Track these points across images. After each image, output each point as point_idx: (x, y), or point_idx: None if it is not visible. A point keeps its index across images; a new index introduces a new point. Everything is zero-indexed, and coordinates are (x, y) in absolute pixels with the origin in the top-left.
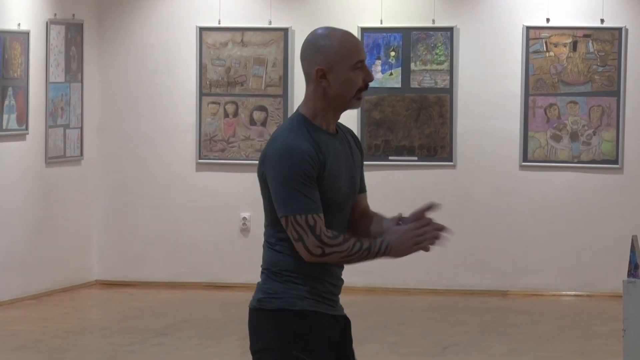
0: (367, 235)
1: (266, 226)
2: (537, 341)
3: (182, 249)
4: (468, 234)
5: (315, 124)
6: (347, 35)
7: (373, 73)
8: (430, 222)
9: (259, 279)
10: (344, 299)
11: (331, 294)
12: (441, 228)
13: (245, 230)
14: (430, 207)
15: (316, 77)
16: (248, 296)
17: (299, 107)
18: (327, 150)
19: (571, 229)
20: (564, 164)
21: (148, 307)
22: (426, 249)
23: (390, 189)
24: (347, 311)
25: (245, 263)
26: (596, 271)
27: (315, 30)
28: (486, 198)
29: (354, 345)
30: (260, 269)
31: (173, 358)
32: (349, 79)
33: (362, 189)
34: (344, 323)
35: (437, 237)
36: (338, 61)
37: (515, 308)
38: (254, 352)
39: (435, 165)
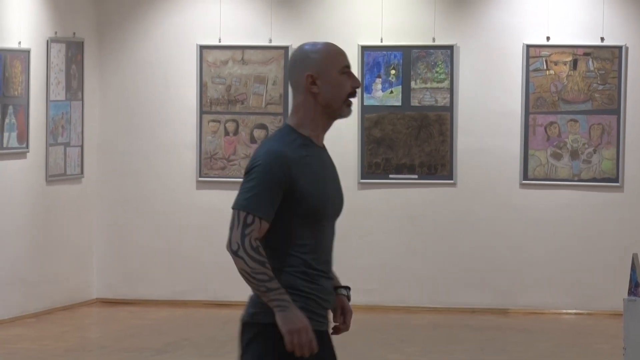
0: None
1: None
2: (537, 359)
3: (183, 267)
4: (468, 251)
5: (301, 133)
6: (331, 44)
7: (373, 91)
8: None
9: (252, 294)
10: None
11: (322, 310)
12: (314, 347)
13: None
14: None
15: (306, 83)
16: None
17: (286, 120)
18: (312, 160)
19: (571, 246)
20: (564, 182)
21: (148, 325)
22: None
23: (390, 206)
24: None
25: (244, 281)
26: (596, 289)
27: (301, 45)
28: (486, 216)
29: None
30: None
31: None
32: (338, 82)
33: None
34: (330, 344)
35: (308, 351)
36: (326, 66)
37: (515, 326)
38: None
39: (435, 183)
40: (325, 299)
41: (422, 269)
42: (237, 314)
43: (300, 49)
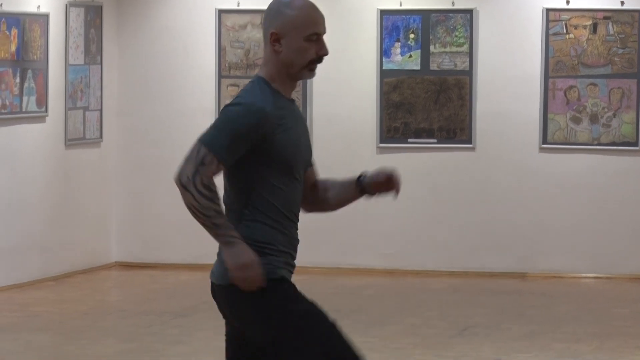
0: (327, 202)
1: (234, 201)
2: (556, 323)
3: (202, 231)
4: (487, 215)
5: (273, 87)
6: (308, 6)
7: (392, 55)
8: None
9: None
10: (363, 280)
11: (293, 261)
12: (261, 281)
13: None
14: None
15: (270, 40)
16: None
17: (258, 70)
18: (285, 114)
19: (591, 211)
20: (583, 146)
21: (167, 288)
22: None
23: (409, 171)
24: (367, 293)
25: None
26: (616, 253)
27: None
28: (505, 180)
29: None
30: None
31: (192, 340)
32: (301, 48)
33: (312, 163)
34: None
35: (255, 285)
36: (292, 29)
37: (534, 290)
38: (251, 327)
39: (454, 148)
40: (295, 249)
41: (440, 233)
42: None
43: (278, 1)
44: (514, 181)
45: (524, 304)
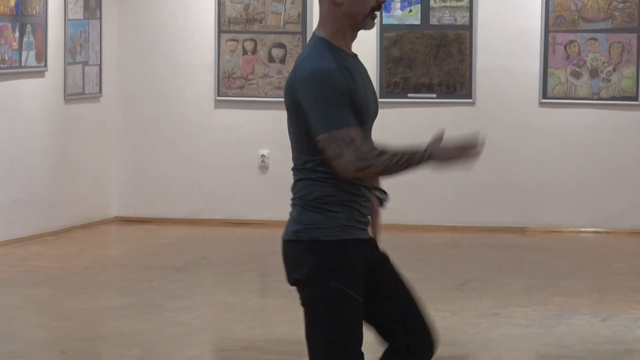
0: None
1: (296, 158)
2: (555, 277)
3: (201, 186)
4: (487, 170)
5: (335, 45)
6: None
7: (392, 10)
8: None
9: (293, 211)
10: None
11: (363, 217)
12: (477, 152)
13: (263, 167)
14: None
15: None
16: (266, 233)
17: (315, 31)
18: (351, 70)
19: (590, 165)
20: (583, 101)
21: (167, 243)
22: (466, 164)
23: (409, 126)
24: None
25: (263, 200)
26: (615, 207)
27: None
28: (505, 135)
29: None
30: (277, 203)
31: (192, 294)
32: None
33: None
34: (378, 249)
35: (475, 157)
36: None
37: (534, 244)
38: (292, 283)
39: (454, 103)
40: (365, 205)
41: (440, 188)
42: (255, 233)
43: None
44: (513, 136)
45: (523, 258)
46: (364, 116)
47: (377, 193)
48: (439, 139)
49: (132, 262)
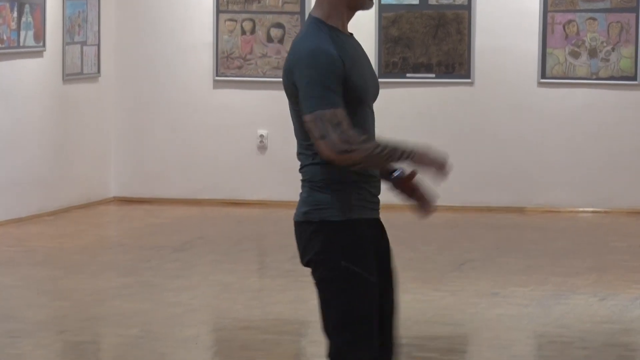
0: None
1: (301, 141)
2: (554, 257)
3: (199, 166)
4: (485, 150)
5: (330, 25)
6: None
7: None
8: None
9: (302, 192)
10: None
11: (373, 197)
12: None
13: (262, 147)
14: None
15: None
16: (265, 213)
17: (311, 11)
18: (347, 50)
19: (589, 145)
20: (582, 80)
21: (165, 223)
22: (441, 173)
23: (407, 106)
24: None
25: (261, 180)
26: (613, 187)
27: None
28: (504, 115)
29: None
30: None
31: (190, 273)
32: None
33: None
34: (384, 231)
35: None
36: None
37: (532, 224)
38: (304, 264)
39: (453, 83)
40: (374, 185)
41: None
42: (253, 213)
43: None
44: (512, 116)
45: (521, 238)
46: (363, 95)
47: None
48: (423, 146)
49: (131, 242)
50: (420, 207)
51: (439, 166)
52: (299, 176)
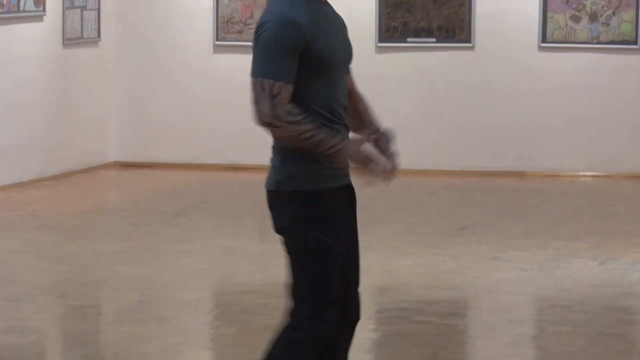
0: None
1: None
2: (554, 221)
3: (200, 131)
4: (486, 115)
5: None
6: None
7: None
8: (391, 168)
9: (274, 159)
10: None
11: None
12: (391, 172)
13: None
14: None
15: None
16: (265, 177)
17: None
18: (320, 17)
19: (589, 109)
20: (583, 45)
21: (166, 188)
22: (368, 181)
23: (408, 70)
24: (365, 192)
25: (262, 144)
26: (614, 152)
27: None
28: (504, 79)
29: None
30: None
31: (191, 238)
32: None
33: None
34: (352, 190)
35: (384, 178)
36: None
37: (532, 189)
38: (277, 231)
39: (453, 47)
40: None
41: (439, 132)
42: (254, 178)
43: None
44: (513, 80)
45: (522, 202)
46: (329, 61)
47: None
48: (359, 140)
49: (131, 207)
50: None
51: (372, 168)
52: None
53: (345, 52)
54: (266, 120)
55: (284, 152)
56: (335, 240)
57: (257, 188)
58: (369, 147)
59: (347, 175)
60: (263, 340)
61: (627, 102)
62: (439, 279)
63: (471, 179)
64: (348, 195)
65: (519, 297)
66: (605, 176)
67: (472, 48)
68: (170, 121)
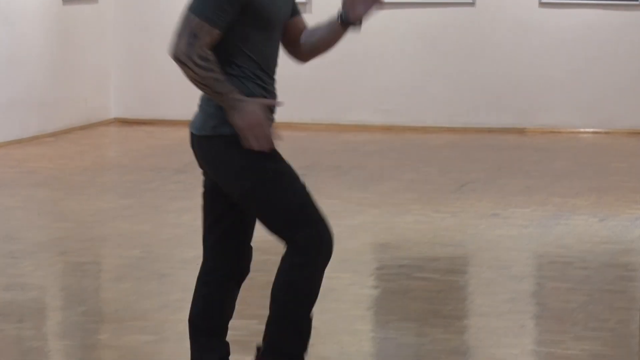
0: (317, 41)
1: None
2: (554, 178)
3: None
4: (486, 72)
5: None
6: None
7: None
8: (272, 135)
9: (207, 105)
10: (362, 137)
11: (271, 114)
12: (272, 140)
13: None
14: None
15: None
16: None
17: None
18: None
19: (590, 66)
20: (583, 0)
21: (166, 144)
22: (250, 143)
23: (408, 27)
24: (365, 149)
25: None
26: (614, 108)
27: None
28: (505, 36)
29: None
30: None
31: (191, 195)
32: None
33: (298, 12)
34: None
35: (267, 144)
36: None
37: (533, 145)
38: (220, 180)
39: (454, 3)
40: (273, 90)
41: (440, 89)
42: None
43: None
44: (513, 37)
45: (522, 159)
46: (270, 20)
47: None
48: (258, 102)
49: (132, 164)
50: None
51: (254, 128)
52: (303, 96)
53: (286, 5)
54: (177, 55)
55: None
56: (286, 165)
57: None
58: (261, 118)
59: (273, 122)
60: (263, 297)
61: (628, 59)
62: (439, 235)
63: (471, 135)
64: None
65: (519, 253)
66: (606, 133)
67: (472, 4)
68: (171, 77)
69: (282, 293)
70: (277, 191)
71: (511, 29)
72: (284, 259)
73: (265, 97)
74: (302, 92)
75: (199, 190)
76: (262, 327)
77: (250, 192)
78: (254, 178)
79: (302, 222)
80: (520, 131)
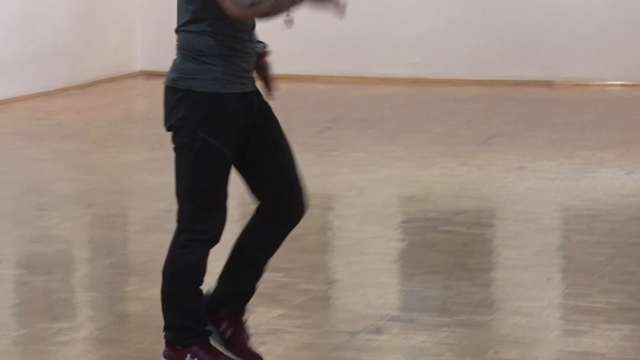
0: None
1: (179, 18)
2: (581, 130)
3: None
4: (514, 24)
5: None
6: None
7: None
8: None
9: (176, 58)
10: (388, 90)
11: (244, 72)
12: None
13: (288, 21)
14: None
15: None
16: (292, 87)
17: None
18: None
19: (618, 17)
20: None
21: None
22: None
23: None
24: (391, 103)
25: (289, 54)
26: None
27: None
28: None
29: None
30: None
31: None
32: None
33: None
34: (260, 102)
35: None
36: None
37: (560, 98)
38: (167, 128)
39: None
40: (247, 60)
41: (467, 41)
42: (281, 87)
43: None
44: None
45: (549, 112)
46: None
47: (256, 46)
48: None
49: (158, 116)
50: (263, 87)
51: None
52: (328, 49)
53: None
54: (246, 4)
55: (184, 51)
56: (222, 143)
57: (283, 97)
58: None
59: (246, 84)
60: (290, 250)
61: None
62: (465, 188)
63: (498, 88)
64: (247, 101)
65: (546, 206)
66: (634, 85)
67: None
68: None
69: (165, 267)
70: (193, 159)
71: None
72: (174, 236)
73: (232, 53)
74: (327, 45)
75: None
76: (288, 280)
77: (176, 147)
78: (184, 137)
79: (197, 198)
80: (548, 84)
